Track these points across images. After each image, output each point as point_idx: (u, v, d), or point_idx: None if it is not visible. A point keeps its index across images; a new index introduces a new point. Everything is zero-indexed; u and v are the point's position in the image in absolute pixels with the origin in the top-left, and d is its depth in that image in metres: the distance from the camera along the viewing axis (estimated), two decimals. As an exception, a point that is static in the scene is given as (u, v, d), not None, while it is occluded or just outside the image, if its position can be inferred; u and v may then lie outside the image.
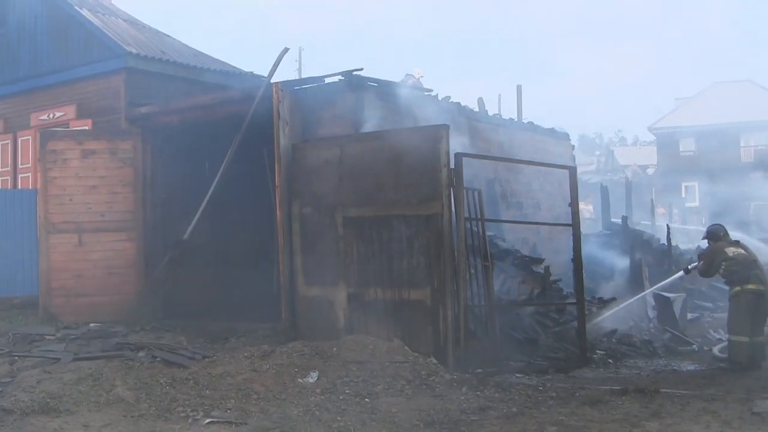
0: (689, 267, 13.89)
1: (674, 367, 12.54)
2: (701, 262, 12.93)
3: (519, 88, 27.02)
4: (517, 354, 12.54)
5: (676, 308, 15.25)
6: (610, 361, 12.77)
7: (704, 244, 13.34)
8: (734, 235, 13.45)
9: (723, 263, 12.30)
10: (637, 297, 15.13)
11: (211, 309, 15.43)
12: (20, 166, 21.15)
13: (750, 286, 12.00)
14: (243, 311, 15.17)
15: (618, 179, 37.59)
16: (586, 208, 29.05)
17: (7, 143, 21.46)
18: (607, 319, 14.45)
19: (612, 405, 9.27)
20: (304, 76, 40.90)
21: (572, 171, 13.38)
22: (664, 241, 19.54)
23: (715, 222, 13.91)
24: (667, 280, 15.65)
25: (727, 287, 12.71)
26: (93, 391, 9.87)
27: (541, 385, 10.49)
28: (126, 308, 15.76)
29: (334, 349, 11.18)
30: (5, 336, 14.04)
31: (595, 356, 12.83)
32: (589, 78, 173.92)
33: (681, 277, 15.23)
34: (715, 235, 12.76)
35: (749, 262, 12.22)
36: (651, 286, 15.63)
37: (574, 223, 12.94)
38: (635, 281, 16.22)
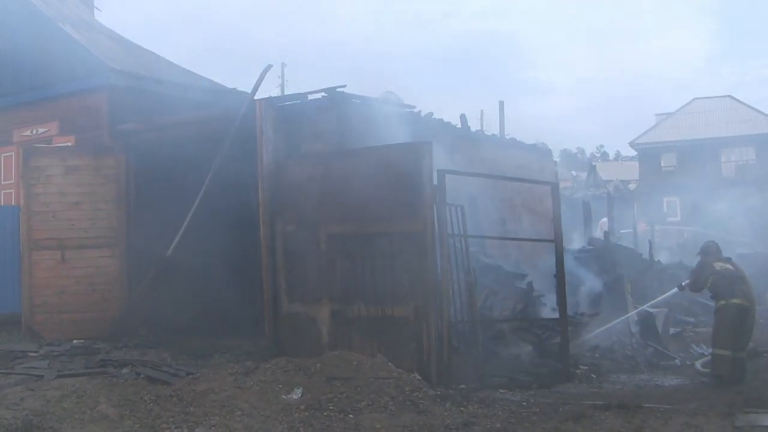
0: (683, 284, 13.96)
1: (657, 382, 12.61)
2: (693, 278, 13.10)
3: (501, 105, 27.23)
4: (501, 370, 12.57)
5: (659, 323, 15.30)
6: (593, 376, 12.82)
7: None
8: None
9: (710, 277, 12.47)
10: (630, 314, 15.13)
11: (194, 325, 15.40)
12: (2, 183, 21.07)
13: (735, 301, 12.15)
14: (226, 328, 15.16)
15: (600, 194, 37.63)
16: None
17: (-10, 159, 21.40)
18: (598, 335, 14.49)
19: (595, 420, 9.31)
20: (287, 91, 41.02)
21: (554, 187, 13.48)
22: (646, 255, 19.61)
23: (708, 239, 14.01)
24: (660, 297, 15.71)
25: (713, 303, 12.83)
26: (77, 408, 9.87)
27: (525, 401, 10.53)
28: (109, 325, 15.71)
29: (318, 365, 11.20)
30: (-13, 353, 14.02)
31: (578, 371, 12.87)
32: (571, 93, 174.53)
33: (675, 294, 15.27)
34: (708, 251, 12.92)
35: (736, 277, 12.37)
36: (633, 301, 15.69)
37: (557, 239, 13.02)
38: (617, 296, 16.25)
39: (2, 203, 20.74)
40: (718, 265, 12.56)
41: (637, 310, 15.40)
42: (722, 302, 12.29)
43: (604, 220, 26.29)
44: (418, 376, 11.18)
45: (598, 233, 24.09)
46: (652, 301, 15.71)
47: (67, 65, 18.74)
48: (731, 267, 12.59)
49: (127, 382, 11.18)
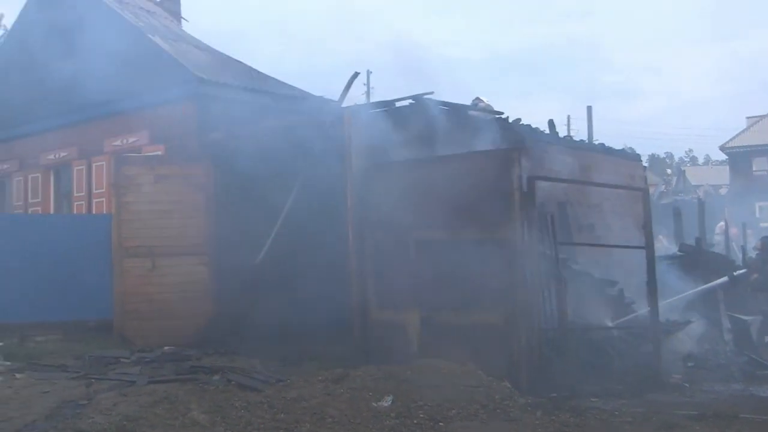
0: (735, 274, 13.60)
1: (752, 392, 12.30)
2: (756, 275, 12.69)
3: (589, 109, 27.00)
4: (592, 378, 12.38)
5: (753, 331, 14.97)
6: (686, 385, 12.55)
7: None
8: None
9: None
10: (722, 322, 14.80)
11: (282, 332, 15.45)
12: (94, 191, 21.47)
13: None
14: (314, 335, 15.17)
15: (690, 199, 37.08)
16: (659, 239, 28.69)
17: (82, 169, 21.85)
18: (683, 341, 14.23)
19: (689, 430, 9.14)
20: (372, 98, 41.11)
21: (645, 192, 13.31)
22: (739, 262, 19.21)
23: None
24: (705, 286, 15.35)
25: None
26: (169, 414, 9.91)
27: (617, 410, 10.34)
28: (198, 332, 15.86)
29: (408, 373, 11.13)
30: (81, 359, 14.21)
31: (670, 380, 12.63)
32: (658, 97, 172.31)
33: (723, 284, 14.89)
34: None
35: None
36: (726, 309, 15.36)
37: (648, 246, 12.81)
38: (710, 304, 15.95)
39: (94, 211, 21.13)
40: None
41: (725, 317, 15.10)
42: None
43: (722, 224, 25.88)
44: (509, 384, 11.06)
45: (717, 236, 23.74)
46: (696, 289, 15.33)
47: (157, 75, 19.01)
48: None
49: (217, 389, 11.22)
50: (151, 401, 10.40)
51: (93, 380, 12.20)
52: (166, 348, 14.96)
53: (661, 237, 26.17)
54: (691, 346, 14.23)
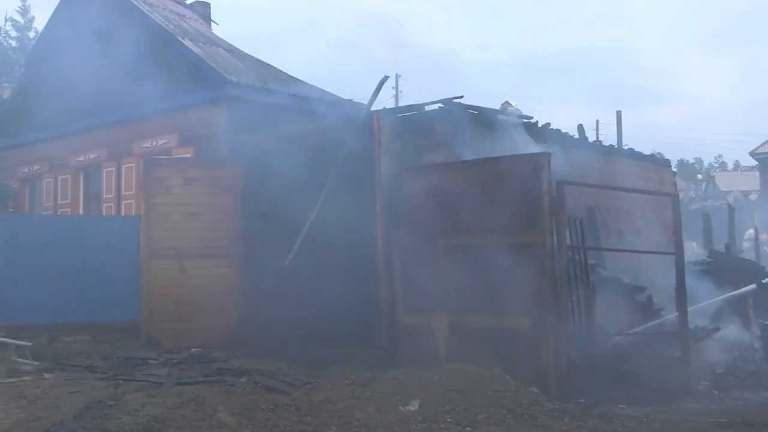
0: (764, 281, 13.51)
1: (783, 400, 12.20)
2: None
3: (618, 114, 26.99)
4: (620, 384, 12.32)
5: (784, 338, 14.85)
6: (715, 392, 12.46)
7: None
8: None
9: None
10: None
11: (309, 335, 15.44)
12: (123, 193, 21.59)
13: None
14: (341, 338, 15.15)
15: (719, 205, 36.88)
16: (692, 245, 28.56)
17: (111, 170, 21.97)
18: (712, 348, 14.13)
19: (719, 438, 9.08)
20: (401, 102, 41.13)
21: (675, 198, 13.26)
22: (768, 269, 19.07)
23: None
24: (734, 292, 15.24)
25: None
26: (196, 415, 9.92)
27: (645, 417, 10.26)
28: (225, 334, 15.90)
29: (435, 377, 11.09)
30: (109, 359, 14.29)
31: (699, 387, 12.55)
32: (687, 102, 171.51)
33: (752, 291, 14.78)
34: None
35: None
36: (755, 315, 15.25)
37: (677, 252, 12.74)
38: (739, 310, 15.84)
39: (123, 213, 21.24)
40: None
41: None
42: None
43: (751, 230, 25.74)
44: (536, 390, 11.02)
45: (746, 243, 23.63)
46: (721, 297, 15.23)
47: (187, 78, 19.10)
48: None
49: (244, 391, 11.24)
50: (178, 403, 10.42)
51: (121, 381, 12.28)
52: (193, 350, 15.03)
53: (693, 243, 26.07)
54: (720, 353, 14.13)
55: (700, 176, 70.60)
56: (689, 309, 13.72)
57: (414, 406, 10.20)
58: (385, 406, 10.18)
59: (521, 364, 11.51)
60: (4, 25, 28.57)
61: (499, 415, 9.99)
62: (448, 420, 9.80)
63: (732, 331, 14.71)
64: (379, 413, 9.95)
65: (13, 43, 32.65)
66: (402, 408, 10.15)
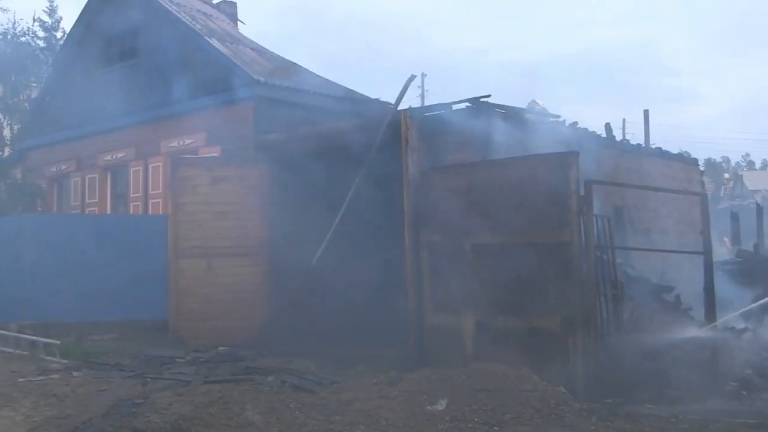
0: None
1: (813, 401, 12.11)
2: None
3: (646, 113, 26.84)
4: (648, 384, 12.26)
5: (814, 339, 14.76)
6: (744, 393, 12.39)
7: None
8: None
9: None
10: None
11: (337, 334, 15.47)
12: (151, 192, 21.66)
13: None
14: (368, 337, 15.16)
15: (747, 205, 36.65)
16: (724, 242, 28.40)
17: (139, 169, 22.05)
18: (741, 348, 14.04)
19: (748, 439, 9.02)
20: (426, 102, 41.10)
21: (703, 197, 13.19)
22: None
23: None
24: (754, 305, 15.15)
25: None
26: (224, 414, 9.94)
27: (673, 417, 10.21)
28: (253, 332, 15.93)
29: (463, 376, 11.09)
30: (137, 358, 14.34)
31: (727, 388, 12.47)
32: (714, 101, 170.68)
33: None
34: None
35: None
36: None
37: (706, 251, 12.68)
38: (768, 311, 15.76)
39: (150, 212, 21.31)
40: None
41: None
42: None
43: None
44: (564, 389, 10.97)
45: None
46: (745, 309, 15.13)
47: (214, 77, 19.15)
48: None
49: (272, 390, 11.25)
50: (206, 401, 10.44)
51: (148, 379, 12.31)
52: (220, 348, 15.03)
53: (725, 239, 25.90)
54: (749, 353, 14.05)
55: (727, 175, 70.08)
56: (726, 318, 13.72)
57: (441, 405, 10.19)
58: (413, 405, 10.18)
59: (549, 363, 11.47)
60: (32, 26, 28.82)
61: (526, 415, 9.97)
62: (476, 419, 9.78)
63: (761, 331, 14.63)
64: (406, 413, 9.94)
65: (41, 43, 32.82)
66: (429, 407, 10.14)
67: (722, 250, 24.23)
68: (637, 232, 18.10)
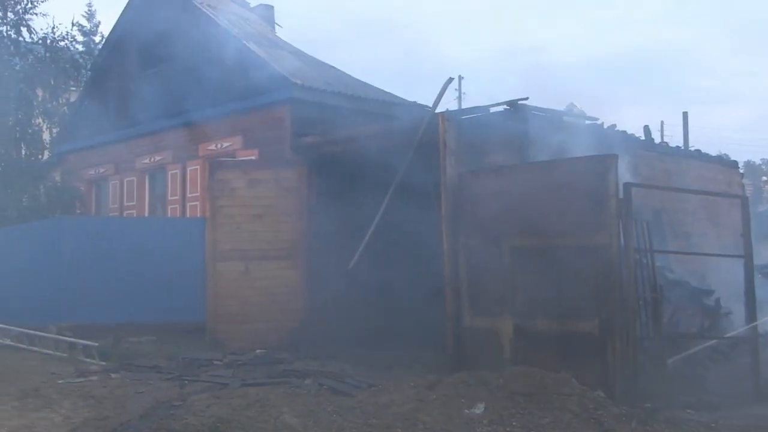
0: None
1: None
2: None
3: (685, 116, 26.62)
4: (687, 389, 12.14)
5: None
6: (786, 399, 12.27)
7: None
8: None
9: None
10: None
11: (374, 337, 15.45)
12: (188, 195, 21.76)
13: None
14: (405, 340, 15.14)
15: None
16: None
17: (176, 173, 22.15)
18: None
19: (790, 445, 8.91)
20: (464, 104, 41.03)
21: (744, 200, 13.06)
22: None
23: None
24: None
25: None
26: (261, 416, 9.95)
27: (714, 422, 10.10)
28: (290, 335, 15.96)
29: (500, 380, 11.01)
30: (174, 360, 14.40)
31: (769, 393, 12.34)
32: (753, 102, 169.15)
33: None
34: None
35: None
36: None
37: (746, 255, 12.55)
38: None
39: (188, 215, 21.40)
40: None
41: None
42: None
43: None
44: (602, 394, 10.87)
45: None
46: None
47: (252, 81, 19.18)
48: None
49: (309, 393, 11.26)
50: (243, 404, 10.46)
51: (186, 382, 12.38)
52: (257, 351, 15.07)
53: None
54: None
55: (765, 177, 69.33)
56: (766, 320, 13.57)
57: (479, 409, 10.14)
58: (451, 409, 10.14)
59: (587, 367, 11.37)
60: (71, 30, 29.05)
61: (564, 419, 9.89)
62: (514, 424, 9.73)
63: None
64: (444, 416, 9.91)
65: (80, 47, 33.04)
66: (467, 411, 10.10)
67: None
68: (676, 235, 17.93)
